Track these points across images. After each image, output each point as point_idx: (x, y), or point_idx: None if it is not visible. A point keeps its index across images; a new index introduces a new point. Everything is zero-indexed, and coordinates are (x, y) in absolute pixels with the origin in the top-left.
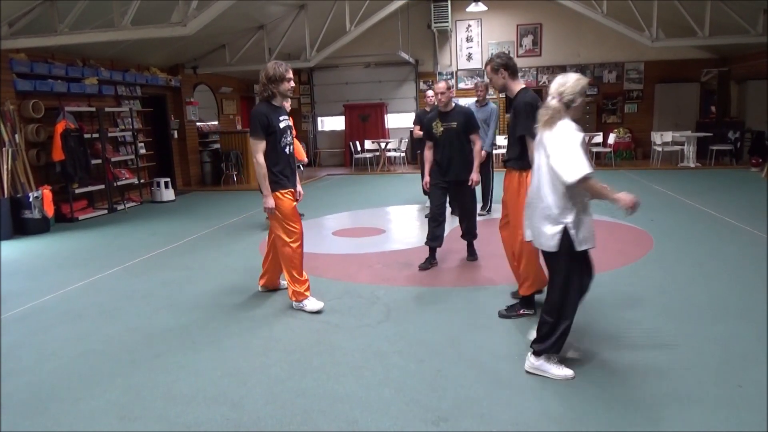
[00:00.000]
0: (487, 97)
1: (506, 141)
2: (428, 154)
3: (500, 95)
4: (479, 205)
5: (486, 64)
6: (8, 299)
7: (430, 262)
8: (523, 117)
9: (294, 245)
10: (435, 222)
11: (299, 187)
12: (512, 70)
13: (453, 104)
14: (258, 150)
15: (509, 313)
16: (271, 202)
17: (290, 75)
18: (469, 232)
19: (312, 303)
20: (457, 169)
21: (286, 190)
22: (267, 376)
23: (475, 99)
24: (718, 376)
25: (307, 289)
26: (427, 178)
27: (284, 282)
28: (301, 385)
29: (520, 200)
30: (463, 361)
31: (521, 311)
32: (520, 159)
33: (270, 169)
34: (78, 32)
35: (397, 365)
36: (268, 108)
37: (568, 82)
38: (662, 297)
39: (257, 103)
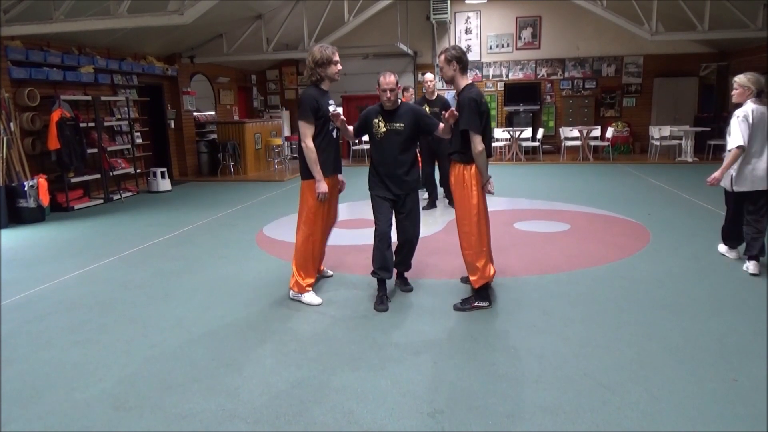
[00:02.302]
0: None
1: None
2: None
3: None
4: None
5: (440, 54)
6: (3, 288)
7: (383, 301)
8: (467, 112)
9: (311, 239)
10: (385, 242)
11: (341, 176)
12: (464, 65)
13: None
14: (307, 134)
15: (464, 306)
16: (323, 187)
17: (337, 58)
18: (404, 262)
19: (310, 297)
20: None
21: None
22: (263, 367)
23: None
24: (714, 370)
25: (311, 284)
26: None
27: (328, 271)
28: (296, 376)
29: (465, 192)
30: (459, 353)
31: (476, 304)
32: (463, 152)
33: None
34: (74, 20)
35: (393, 357)
36: (317, 92)
37: None
38: (658, 290)
39: (306, 87)
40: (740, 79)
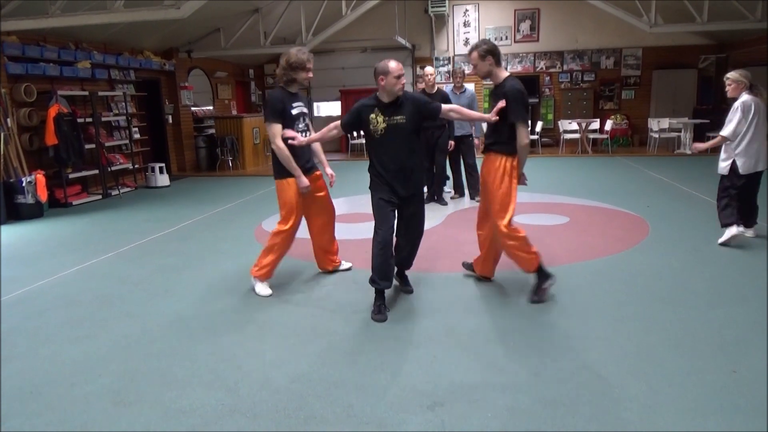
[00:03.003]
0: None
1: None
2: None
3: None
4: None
5: (471, 51)
6: (2, 284)
7: (381, 311)
8: (516, 104)
9: (280, 236)
10: (387, 251)
11: (329, 170)
12: (498, 57)
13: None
14: (275, 134)
15: (539, 296)
16: (304, 181)
17: (311, 65)
18: (406, 261)
19: (260, 287)
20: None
21: (293, 179)
22: (262, 362)
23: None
24: (713, 362)
25: (264, 274)
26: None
27: (345, 263)
28: (296, 371)
29: (506, 184)
30: (458, 347)
31: (544, 286)
32: (508, 144)
33: None
34: (70, 15)
35: (392, 350)
36: (282, 93)
37: None
38: (658, 282)
39: (273, 89)
40: (733, 75)
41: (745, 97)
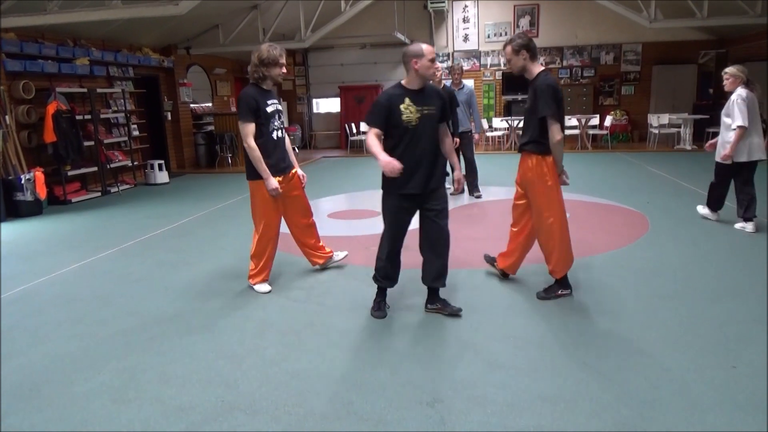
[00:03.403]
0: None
1: (522, 124)
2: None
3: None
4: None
5: (506, 45)
6: (1, 282)
7: (380, 307)
8: (545, 98)
9: (258, 237)
10: (394, 262)
11: (299, 171)
12: (533, 52)
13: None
14: (248, 133)
15: (548, 294)
16: (272, 183)
17: (283, 60)
18: (440, 275)
19: (259, 287)
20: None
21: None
22: (262, 358)
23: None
24: (713, 358)
25: (263, 278)
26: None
27: (339, 254)
28: (295, 367)
29: (546, 185)
30: (458, 343)
31: (559, 292)
32: (539, 143)
33: None
34: (68, 11)
35: (391, 347)
36: (256, 91)
37: None
38: (657, 278)
39: (246, 87)
40: (731, 70)
41: (741, 91)
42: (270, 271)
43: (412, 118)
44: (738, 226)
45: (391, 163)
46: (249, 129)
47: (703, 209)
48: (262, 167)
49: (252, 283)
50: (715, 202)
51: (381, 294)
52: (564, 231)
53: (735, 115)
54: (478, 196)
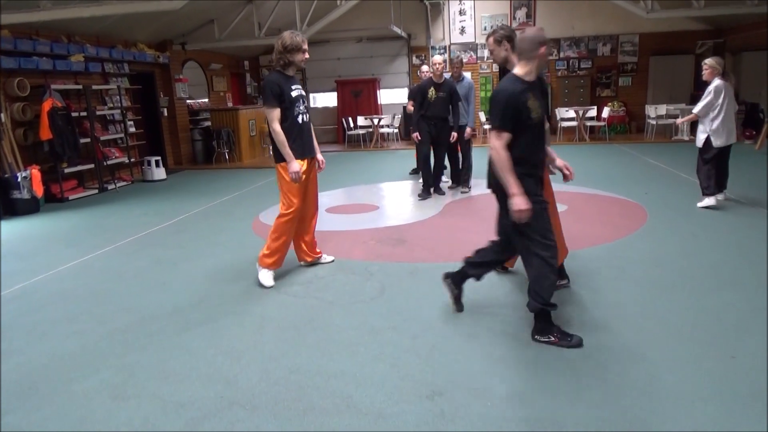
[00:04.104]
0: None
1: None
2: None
3: (494, 70)
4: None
5: (488, 36)
6: (1, 280)
7: (568, 337)
8: None
9: (285, 218)
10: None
11: (319, 156)
12: (515, 43)
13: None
14: (273, 118)
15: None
16: (295, 166)
17: (306, 46)
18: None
19: (265, 276)
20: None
21: (295, 162)
22: (261, 354)
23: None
24: (712, 348)
25: (272, 263)
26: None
27: (326, 257)
28: (295, 362)
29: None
30: (457, 336)
31: (559, 283)
32: None
33: None
34: (61, 7)
35: (391, 341)
36: (279, 76)
37: None
38: (656, 269)
39: (270, 73)
40: (709, 61)
41: (717, 81)
42: (283, 260)
43: (535, 114)
44: (704, 203)
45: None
46: (274, 114)
47: (704, 201)
48: (286, 150)
49: (261, 266)
50: (717, 186)
51: (549, 321)
52: (556, 219)
53: (701, 101)
54: (465, 192)
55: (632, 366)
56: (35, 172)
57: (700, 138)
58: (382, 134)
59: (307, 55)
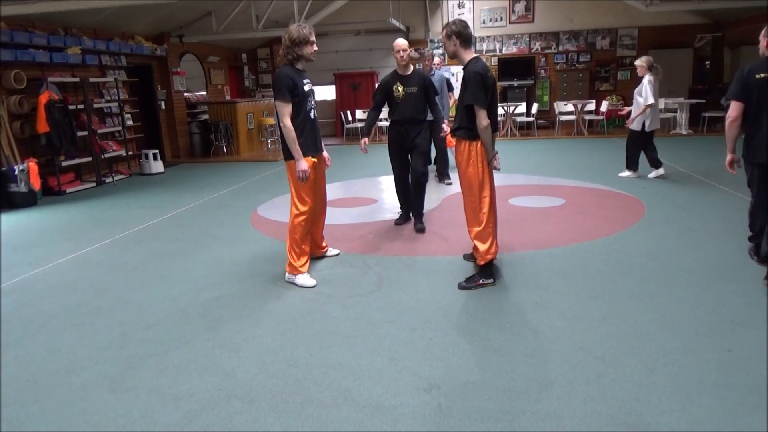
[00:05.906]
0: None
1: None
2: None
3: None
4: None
5: (442, 29)
6: (1, 273)
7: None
8: (472, 86)
9: (301, 217)
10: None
11: (325, 153)
12: (464, 39)
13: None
14: (285, 113)
15: (468, 284)
16: (303, 165)
17: (313, 38)
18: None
19: (304, 278)
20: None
21: (305, 158)
22: (259, 347)
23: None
24: (708, 341)
25: (304, 264)
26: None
27: (332, 250)
28: (293, 355)
29: (469, 170)
30: (454, 329)
31: (480, 281)
32: (468, 128)
33: None
34: None
35: (389, 334)
36: (292, 70)
37: None
38: (653, 263)
39: (281, 67)
40: (639, 62)
41: (648, 76)
42: (308, 257)
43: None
44: (652, 174)
45: None
46: (287, 108)
47: (624, 173)
48: (295, 147)
49: (292, 273)
50: (634, 163)
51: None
52: (489, 218)
53: (647, 95)
54: (449, 183)
55: (628, 358)
56: (32, 165)
57: (637, 122)
58: (381, 128)
59: (315, 47)
